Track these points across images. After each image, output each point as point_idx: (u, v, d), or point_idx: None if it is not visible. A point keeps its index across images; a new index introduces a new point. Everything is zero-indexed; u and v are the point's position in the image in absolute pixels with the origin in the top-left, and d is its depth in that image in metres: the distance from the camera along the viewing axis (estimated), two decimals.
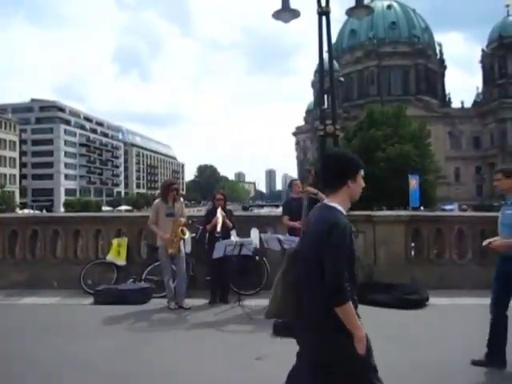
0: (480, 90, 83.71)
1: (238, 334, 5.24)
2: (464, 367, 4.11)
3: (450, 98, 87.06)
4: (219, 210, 6.72)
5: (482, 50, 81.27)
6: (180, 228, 6.31)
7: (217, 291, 6.73)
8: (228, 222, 6.73)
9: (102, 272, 7.50)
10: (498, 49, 76.28)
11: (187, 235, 6.53)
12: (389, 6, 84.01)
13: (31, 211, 56.09)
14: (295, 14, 8.01)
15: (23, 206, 77.77)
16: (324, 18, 8.02)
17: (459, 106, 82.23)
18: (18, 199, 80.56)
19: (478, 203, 55.43)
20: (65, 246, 8.01)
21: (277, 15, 8.01)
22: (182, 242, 6.45)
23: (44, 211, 55.10)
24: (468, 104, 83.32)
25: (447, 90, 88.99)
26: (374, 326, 5.39)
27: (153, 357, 4.42)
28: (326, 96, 9.38)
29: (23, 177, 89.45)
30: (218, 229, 6.52)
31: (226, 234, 6.68)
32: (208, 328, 5.42)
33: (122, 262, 7.50)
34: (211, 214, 6.87)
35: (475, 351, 4.30)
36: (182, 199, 6.75)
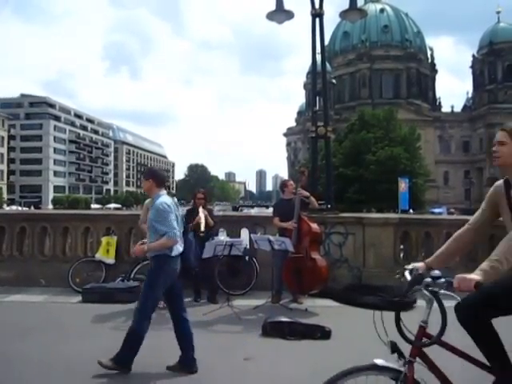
0: (470, 95, 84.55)
1: (227, 334, 5.24)
2: (452, 369, 4.15)
3: (440, 103, 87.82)
4: (201, 209, 6.74)
5: (473, 56, 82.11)
6: None
7: (200, 289, 6.74)
8: (210, 220, 6.77)
9: (90, 270, 7.46)
10: (488, 54, 77.08)
11: None
12: (382, 10, 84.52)
13: (19, 208, 55.44)
14: (289, 15, 8.05)
15: (11, 202, 76.89)
16: (317, 19, 8.07)
17: (449, 110, 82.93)
18: (5, 195, 79.63)
19: (466, 207, 55.97)
20: (53, 243, 7.95)
21: (271, 16, 8.04)
22: None
23: (32, 208, 54.55)
24: (458, 108, 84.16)
25: (438, 94, 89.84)
26: (362, 327, 5.43)
27: (140, 356, 4.40)
28: (317, 98, 9.43)
29: (11, 173, 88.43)
30: (202, 228, 6.54)
31: (209, 233, 6.71)
32: (196, 328, 5.39)
33: (110, 260, 7.46)
34: (192, 213, 6.87)
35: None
36: (174, 199, 6.73)
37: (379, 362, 2.21)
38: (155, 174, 4.35)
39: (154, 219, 4.06)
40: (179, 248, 4.17)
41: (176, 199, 4.46)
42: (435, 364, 2.26)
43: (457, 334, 2.42)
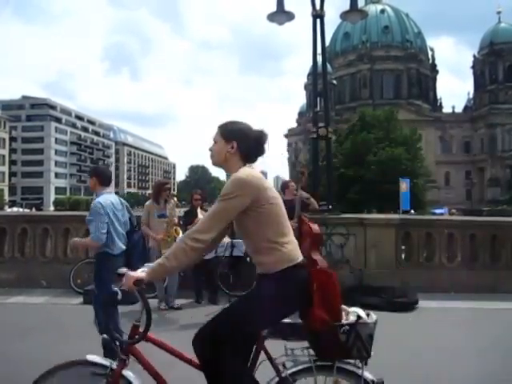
0: (471, 96, 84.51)
1: None
2: (452, 370, 4.15)
3: (441, 103, 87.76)
4: (199, 211, 6.75)
5: (474, 56, 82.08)
6: (174, 228, 6.31)
7: (201, 290, 6.73)
8: None
9: (91, 271, 7.42)
10: (489, 55, 77.06)
11: (181, 235, 6.52)
12: (382, 11, 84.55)
13: (20, 209, 55.51)
14: (290, 16, 8.06)
15: (12, 204, 77.00)
16: (318, 20, 8.08)
17: (450, 110, 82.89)
18: (6, 197, 79.76)
19: (467, 207, 55.93)
20: (54, 244, 7.95)
21: (271, 17, 8.05)
22: (174, 242, 6.44)
23: (33, 209, 54.60)
24: (459, 109, 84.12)
25: (439, 94, 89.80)
26: None
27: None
28: (318, 98, 9.44)
29: (13, 174, 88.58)
30: None
31: None
32: (197, 329, 5.40)
33: None
34: (189, 214, 6.87)
35: (463, 354, 4.33)
36: (175, 199, 6.74)
37: (91, 357, 2.30)
38: (98, 172, 4.38)
39: (88, 218, 4.13)
40: (122, 246, 4.20)
41: (122, 199, 4.47)
42: (147, 361, 2.35)
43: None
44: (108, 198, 4.17)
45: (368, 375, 2.32)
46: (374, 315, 2.41)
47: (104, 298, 4.08)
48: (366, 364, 2.32)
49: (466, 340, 4.94)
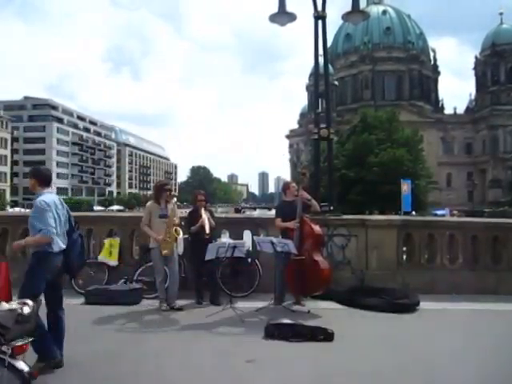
0: (473, 97, 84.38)
1: (230, 337, 5.23)
2: (453, 371, 4.14)
3: (443, 104, 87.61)
4: (204, 211, 6.75)
5: (476, 57, 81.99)
6: (174, 228, 6.31)
7: (202, 291, 6.73)
8: (212, 222, 6.79)
9: (93, 272, 7.46)
10: (491, 56, 76.95)
11: (181, 235, 6.52)
12: (384, 12, 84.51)
13: (22, 210, 55.55)
14: (292, 17, 8.05)
15: (14, 204, 77.08)
16: (320, 22, 8.08)
17: (452, 112, 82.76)
18: (8, 197, 79.84)
19: (469, 209, 55.81)
20: None
21: (273, 18, 8.04)
22: (175, 242, 6.44)
23: None
24: (461, 110, 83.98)
25: (440, 95, 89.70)
26: (365, 329, 5.43)
27: (143, 358, 4.40)
28: (320, 99, 9.44)
29: (14, 175, 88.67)
30: (207, 230, 6.57)
31: (211, 235, 6.73)
32: (199, 330, 5.41)
33: (113, 262, 7.46)
34: (193, 214, 6.87)
35: (465, 356, 4.32)
36: (174, 200, 6.74)
37: None
38: (37, 173, 4.37)
39: (32, 215, 4.14)
40: (61, 245, 4.20)
41: (61, 199, 4.45)
42: None
43: None
44: (50, 197, 4.20)
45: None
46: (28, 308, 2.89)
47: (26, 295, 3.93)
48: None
49: (468, 341, 4.94)
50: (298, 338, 4.89)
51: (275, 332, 5.00)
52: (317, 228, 6.50)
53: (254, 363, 4.26)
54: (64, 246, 4.25)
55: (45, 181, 4.34)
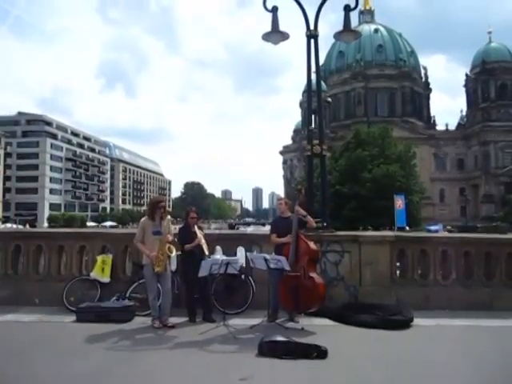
0: (464, 113, 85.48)
1: (223, 354, 5.19)
2: None
3: (435, 121, 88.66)
4: (198, 231, 6.74)
5: (466, 75, 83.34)
6: (167, 246, 6.28)
7: (195, 309, 6.67)
8: (204, 240, 6.79)
9: (85, 289, 7.38)
10: (481, 73, 78.26)
11: (174, 253, 6.49)
12: (376, 30, 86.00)
13: (14, 226, 55.09)
14: (284, 36, 8.17)
15: (6, 220, 76.45)
16: (312, 40, 8.20)
17: (444, 128, 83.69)
18: (0, 213, 79.18)
19: (462, 224, 56.05)
20: (48, 262, 7.89)
21: (266, 37, 8.16)
22: (167, 259, 6.41)
23: (27, 225, 54.20)
24: (452, 126, 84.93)
25: (432, 112, 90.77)
26: (359, 346, 5.40)
27: (135, 377, 4.35)
28: (313, 116, 9.53)
29: (7, 190, 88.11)
30: (206, 252, 6.60)
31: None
32: (192, 347, 5.36)
33: (105, 279, 7.40)
34: (185, 231, 6.84)
35: (459, 372, 4.30)
36: (168, 217, 6.72)
37: None
38: None
39: None
40: None
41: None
42: None
43: None
44: None
45: None
46: None
47: None
48: None
49: (462, 357, 4.92)
50: (291, 356, 4.86)
51: (269, 349, 4.96)
52: (312, 244, 6.51)
53: (248, 381, 4.22)
54: None
55: None
